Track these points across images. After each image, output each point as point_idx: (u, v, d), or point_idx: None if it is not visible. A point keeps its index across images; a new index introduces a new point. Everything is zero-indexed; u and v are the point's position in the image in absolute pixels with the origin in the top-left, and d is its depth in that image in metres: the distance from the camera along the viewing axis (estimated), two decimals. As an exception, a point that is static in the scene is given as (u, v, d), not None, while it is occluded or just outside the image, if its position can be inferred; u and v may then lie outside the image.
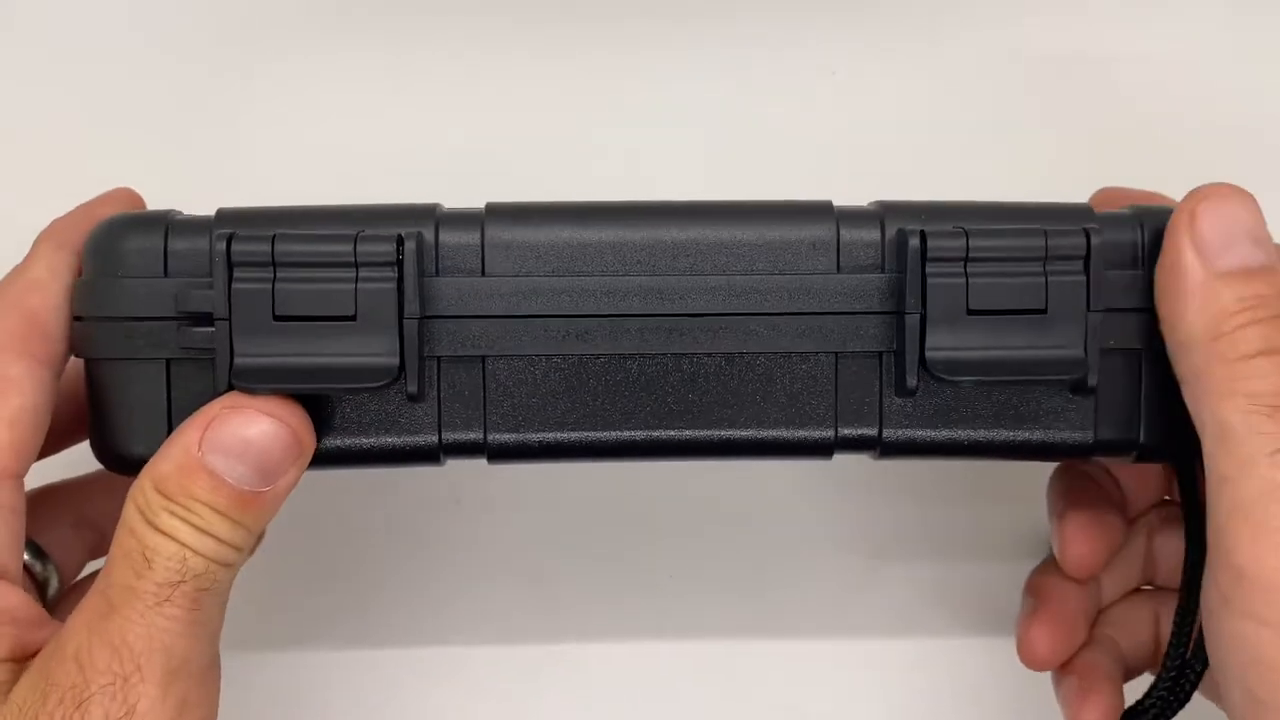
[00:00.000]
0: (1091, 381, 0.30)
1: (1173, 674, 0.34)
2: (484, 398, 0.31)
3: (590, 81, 0.42)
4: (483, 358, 0.31)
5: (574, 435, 0.31)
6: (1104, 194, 0.37)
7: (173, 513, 0.29)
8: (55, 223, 0.33)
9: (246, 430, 0.29)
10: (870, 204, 0.32)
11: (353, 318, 0.30)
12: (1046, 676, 0.38)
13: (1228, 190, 0.30)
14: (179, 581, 0.29)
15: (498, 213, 0.31)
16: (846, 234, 0.31)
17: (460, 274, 0.31)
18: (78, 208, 0.34)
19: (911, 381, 0.30)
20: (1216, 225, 0.30)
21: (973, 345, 0.30)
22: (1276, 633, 0.28)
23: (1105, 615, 0.38)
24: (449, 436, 0.31)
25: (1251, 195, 0.30)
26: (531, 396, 0.31)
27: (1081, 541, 0.37)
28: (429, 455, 0.31)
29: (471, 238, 0.31)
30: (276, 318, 0.30)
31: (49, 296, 0.31)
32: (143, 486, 0.29)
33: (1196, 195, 0.30)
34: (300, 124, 0.42)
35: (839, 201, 0.32)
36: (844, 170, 0.42)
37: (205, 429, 0.29)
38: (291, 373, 0.30)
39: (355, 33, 0.42)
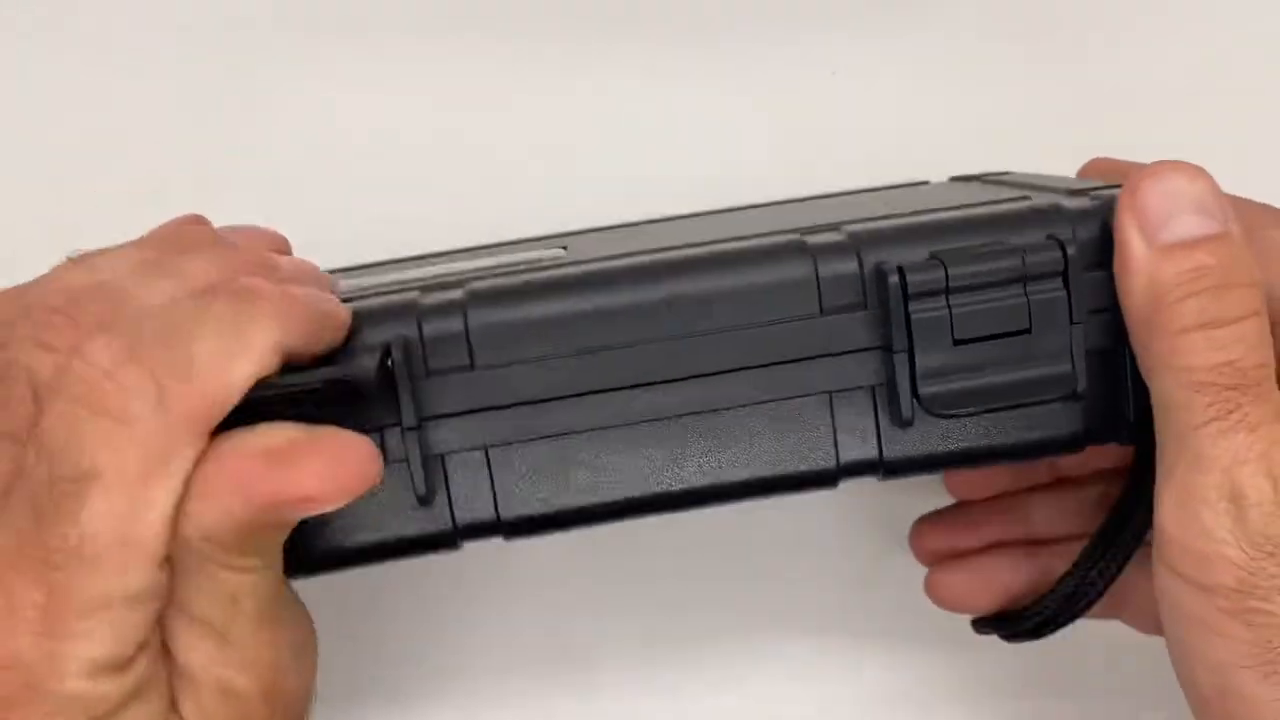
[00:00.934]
0: (1080, 389, 0.31)
1: (1069, 591, 0.36)
2: (492, 483, 0.31)
3: (586, 84, 0.42)
4: (485, 448, 0.31)
5: (585, 502, 0.31)
6: (1095, 165, 0.36)
7: (226, 551, 0.28)
8: (286, 299, 0.29)
9: (317, 486, 0.28)
10: (842, 234, 0.32)
11: None
12: (1056, 670, 0.41)
13: (1170, 165, 0.31)
14: (266, 596, 0.29)
15: (479, 297, 0.31)
16: (825, 271, 0.31)
17: (450, 371, 0.31)
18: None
19: (907, 414, 0.31)
20: (1157, 199, 0.30)
21: (963, 375, 0.31)
22: (1191, 587, 0.30)
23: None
24: (463, 521, 0.31)
25: (1199, 167, 0.31)
26: (540, 473, 0.31)
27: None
28: (446, 542, 0.32)
29: (455, 326, 0.31)
30: None
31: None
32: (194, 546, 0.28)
33: (1140, 172, 0.31)
34: (300, 126, 0.43)
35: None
36: (842, 168, 0.42)
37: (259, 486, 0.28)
38: None
39: (363, 37, 0.42)
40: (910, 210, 0.33)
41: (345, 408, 0.29)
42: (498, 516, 0.31)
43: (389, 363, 0.30)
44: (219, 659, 0.28)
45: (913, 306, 0.30)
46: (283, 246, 0.35)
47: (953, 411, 0.30)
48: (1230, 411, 0.29)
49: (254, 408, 0.27)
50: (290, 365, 0.28)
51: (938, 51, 0.44)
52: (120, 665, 0.26)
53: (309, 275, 0.32)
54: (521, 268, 0.33)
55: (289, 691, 0.30)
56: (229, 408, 0.27)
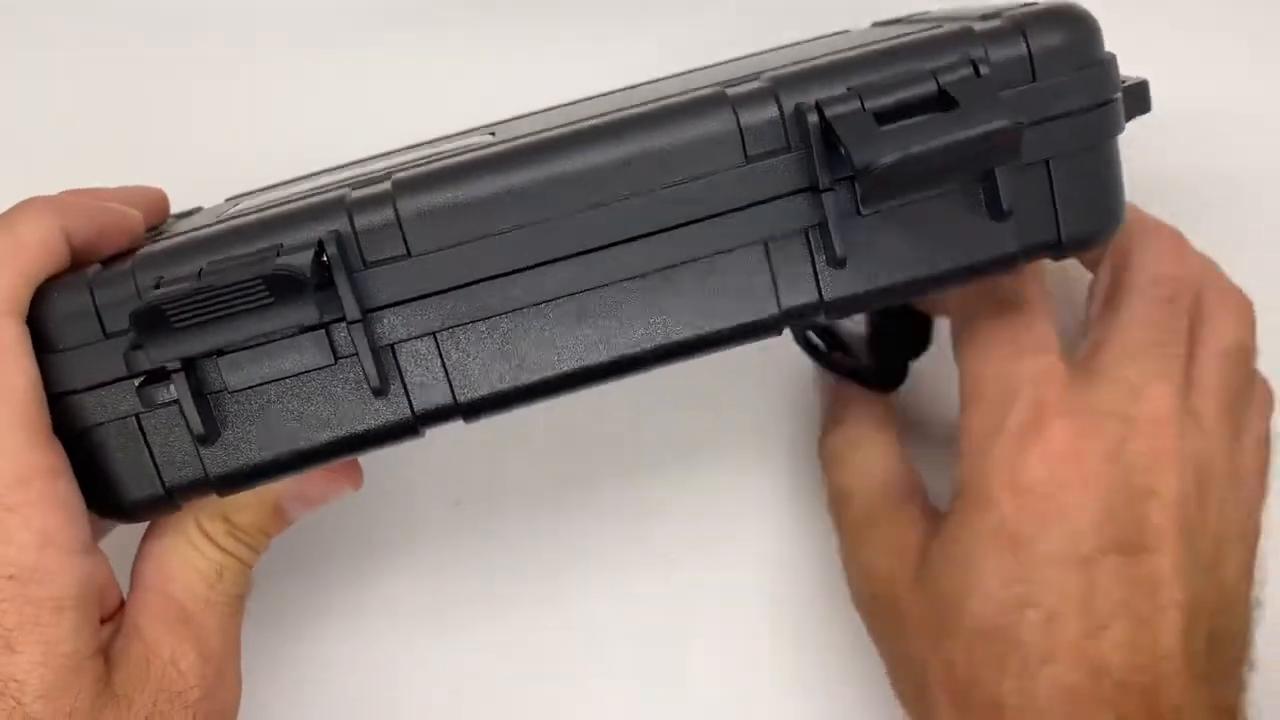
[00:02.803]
0: (1005, 207, 0.31)
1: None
2: (445, 367, 0.32)
3: (569, 71, 0.42)
4: (433, 333, 0.31)
5: (539, 377, 0.32)
6: None
7: (238, 539, 0.34)
8: (59, 197, 0.33)
9: (327, 491, 0.35)
10: (761, 81, 0.32)
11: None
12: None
13: None
14: (241, 594, 0.34)
15: (405, 186, 0.31)
16: (746, 119, 0.31)
17: (387, 260, 0.31)
18: (89, 191, 0.34)
19: (841, 252, 0.31)
20: None
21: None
22: None
23: None
24: (421, 408, 0.32)
25: None
26: (490, 352, 0.32)
27: None
28: (408, 430, 0.32)
29: (386, 217, 0.31)
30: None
31: (36, 261, 0.31)
32: (211, 516, 0.34)
33: None
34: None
35: None
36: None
37: (290, 491, 0.35)
38: None
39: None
40: (829, 53, 0.33)
41: (287, 306, 0.30)
42: (455, 400, 0.32)
43: (324, 257, 0.30)
44: (178, 633, 0.33)
45: (833, 141, 0.30)
46: (159, 199, 0.38)
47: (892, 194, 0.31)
48: None
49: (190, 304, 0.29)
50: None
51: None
52: None
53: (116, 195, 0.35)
54: (447, 155, 0.33)
55: (225, 698, 0.34)
56: (29, 272, 0.30)
